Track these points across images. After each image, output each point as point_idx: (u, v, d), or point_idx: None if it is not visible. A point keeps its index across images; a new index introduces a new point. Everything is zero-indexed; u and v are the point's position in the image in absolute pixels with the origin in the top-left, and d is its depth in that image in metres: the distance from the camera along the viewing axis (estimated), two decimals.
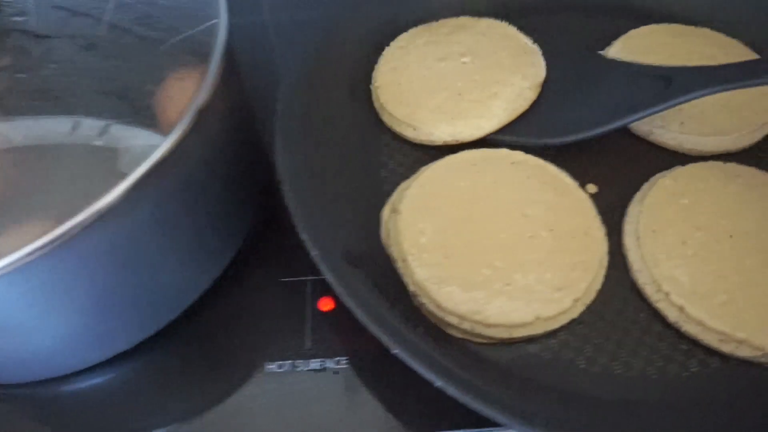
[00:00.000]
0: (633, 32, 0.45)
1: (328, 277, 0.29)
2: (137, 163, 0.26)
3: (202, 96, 0.28)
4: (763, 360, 0.32)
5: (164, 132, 0.27)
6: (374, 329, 0.27)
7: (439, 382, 0.25)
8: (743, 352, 0.32)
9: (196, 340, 0.35)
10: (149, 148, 0.26)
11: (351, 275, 0.31)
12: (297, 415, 0.32)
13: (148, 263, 0.30)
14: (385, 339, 0.26)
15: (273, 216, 0.40)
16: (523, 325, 0.32)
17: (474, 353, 0.32)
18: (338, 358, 0.33)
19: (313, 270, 0.36)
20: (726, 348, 0.32)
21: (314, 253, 0.30)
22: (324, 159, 0.38)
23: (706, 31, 0.45)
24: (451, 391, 0.25)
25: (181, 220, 0.31)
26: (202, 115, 0.28)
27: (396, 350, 0.26)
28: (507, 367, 0.32)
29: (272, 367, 0.33)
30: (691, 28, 0.45)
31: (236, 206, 0.35)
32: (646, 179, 0.38)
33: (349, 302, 0.28)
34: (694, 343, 0.33)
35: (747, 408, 0.31)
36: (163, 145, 0.27)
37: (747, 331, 0.31)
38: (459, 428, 0.31)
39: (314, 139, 0.38)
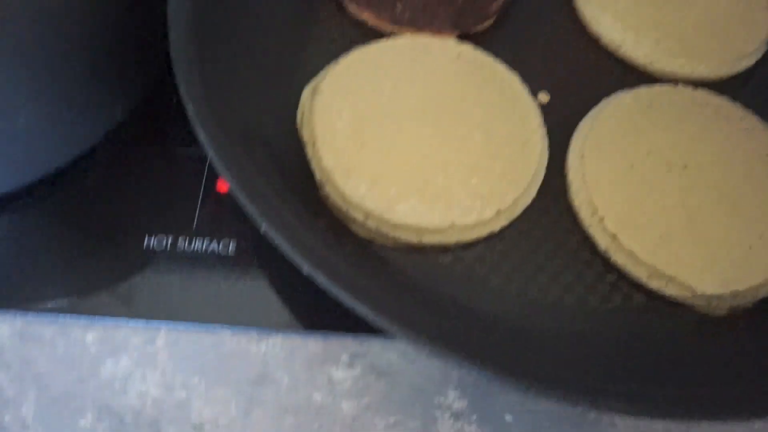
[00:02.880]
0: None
1: (209, 150, 0.24)
2: None
3: None
4: (690, 302, 0.29)
5: None
6: (246, 203, 0.22)
7: (306, 268, 0.21)
8: (671, 291, 0.29)
9: (75, 205, 0.31)
10: None
11: (243, 155, 0.26)
12: (171, 290, 0.28)
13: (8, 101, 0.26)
14: (253, 211, 0.22)
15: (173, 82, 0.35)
16: (436, 230, 0.28)
17: (376, 256, 0.29)
18: (224, 241, 0.30)
19: None
20: (654, 284, 0.29)
21: (195, 123, 0.25)
22: (235, 14, 0.32)
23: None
24: (320, 279, 0.21)
25: (53, 51, 0.26)
26: None
27: (264, 227, 0.22)
28: (408, 275, 0.28)
29: (152, 241, 0.29)
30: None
31: (128, 50, 0.30)
32: (606, 95, 0.34)
33: (228, 177, 0.24)
34: (621, 276, 0.30)
35: (665, 348, 0.28)
36: None
37: (680, 269, 0.28)
38: (347, 330, 0.28)
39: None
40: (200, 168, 0.31)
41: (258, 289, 0.29)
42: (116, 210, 0.30)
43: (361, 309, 0.22)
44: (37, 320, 0.28)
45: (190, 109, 0.23)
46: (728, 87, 0.35)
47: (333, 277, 0.21)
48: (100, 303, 0.28)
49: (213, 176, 0.31)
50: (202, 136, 0.23)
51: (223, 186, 0.31)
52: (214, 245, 0.29)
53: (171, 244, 0.29)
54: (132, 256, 0.29)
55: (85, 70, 0.28)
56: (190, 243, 0.29)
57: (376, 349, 0.29)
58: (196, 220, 0.30)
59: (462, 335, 0.25)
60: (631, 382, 0.24)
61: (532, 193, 0.31)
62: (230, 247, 0.30)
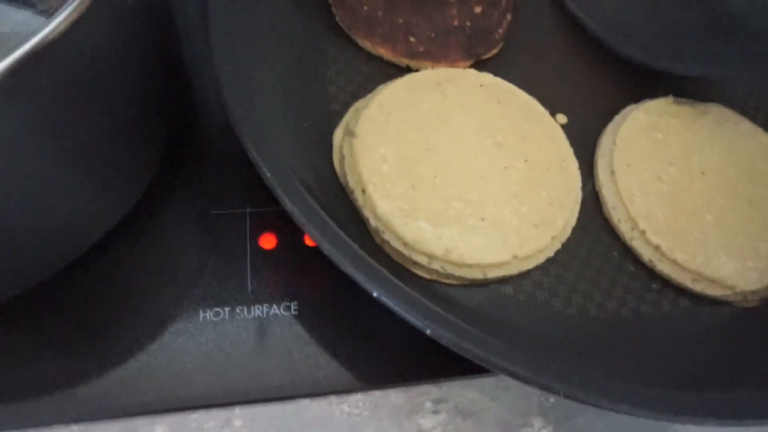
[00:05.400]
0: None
1: (288, 205, 0.23)
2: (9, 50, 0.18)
3: None
4: (730, 299, 0.31)
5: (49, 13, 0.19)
6: (350, 269, 0.21)
7: (423, 324, 0.21)
8: (714, 291, 0.31)
9: (107, 283, 0.27)
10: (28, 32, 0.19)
11: (311, 205, 0.25)
12: (239, 367, 0.26)
13: (28, 186, 0.22)
14: (363, 279, 0.21)
15: (196, 139, 0.33)
16: (500, 264, 0.29)
17: (443, 296, 0.29)
18: (285, 303, 0.28)
19: (252, 201, 0.31)
20: (698, 287, 0.31)
21: (268, 175, 0.23)
22: (265, 70, 0.31)
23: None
24: (440, 332, 0.21)
25: (74, 129, 0.23)
26: None
27: (377, 293, 0.21)
28: (480, 310, 0.28)
29: (208, 315, 0.27)
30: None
31: (149, 119, 0.28)
32: (616, 110, 0.36)
33: (319, 236, 0.22)
34: (665, 282, 0.31)
35: (715, 345, 0.30)
36: (47, 29, 0.19)
37: (719, 271, 0.30)
38: (413, 380, 0.28)
39: (252, 46, 0.31)
40: (242, 226, 0.30)
41: (328, 348, 0.28)
42: (164, 284, 0.27)
43: (477, 352, 0.21)
44: (93, 423, 0.25)
45: (261, 164, 0.22)
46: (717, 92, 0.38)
47: (458, 333, 0.21)
48: (162, 397, 0.25)
49: (256, 235, 0.30)
50: (280, 193, 0.22)
51: (268, 243, 0.30)
52: (274, 309, 0.28)
53: (229, 314, 0.27)
54: (189, 333, 0.27)
55: (115, 135, 0.25)
56: (249, 311, 0.28)
57: (456, 390, 0.28)
58: (249, 284, 0.28)
59: (555, 364, 0.25)
60: (698, 388, 0.26)
61: (576, 213, 0.32)
62: (292, 308, 0.28)
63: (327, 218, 0.23)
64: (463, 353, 0.21)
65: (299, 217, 0.23)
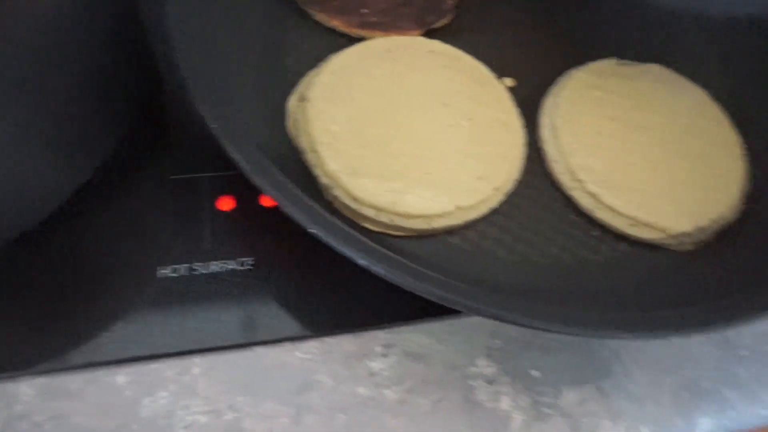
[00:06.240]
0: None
1: (245, 168, 0.24)
2: None
3: None
4: (665, 242, 0.33)
5: None
6: (289, 207, 0.23)
7: (357, 255, 0.22)
8: (649, 234, 0.32)
9: (73, 245, 0.29)
10: None
11: (268, 167, 0.27)
12: (197, 318, 0.28)
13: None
14: (301, 216, 0.22)
15: (159, 107, 0.34)
16: (444, 214, 0.30)
17: (392, 247, 0.30)
18: (242, 259, 0.30)
19: (211, 166, 0.32)
20: (634, 231, 0.32)
21: (224, 141, 0.24)
22: (223, 41, 0.32)
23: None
24: (372, 262, 0.22)
25: (35, 90, 0.24)
26: None
27: (315, 230, 0.22)
28: (427, 258, 0.30)
29: (166, 271, 0.29)
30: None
31: (112, 84, 0.29)
32: (560, 74, 0.37)
33: (275, 193, 0.24)
34: (604, 229, 0.33)
35: (650, 288, 0.32)
36: None
37: (653, 215, 0.32)
38: (363, 327, 0.30)
39: (210, 19, 0.32)
40: (201, 190, 0.31)
41: (283, 299, 0.29)
42: (123, 244, 0.29)
43: (435, 293, 0.23)
44: (58, 374, 0.26)
45: (216, 128, 0.24)
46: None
47: (390, 264, 0.22)
48: (124, 344, 0.27)
49: (212, 198, 0.31)
50: (235, 154, 0.23)
51: (224, 205, 0.31)
52: (232, 264, 0.29)
53: (187, 270, 0.29)
54: (146, 288, 0.28)
55: (76, 101, 0.26)
56: (206, 267, 0.29)
57: (404, 335, 0.30)
58: (208, 243, 0.30)
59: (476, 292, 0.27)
60: (626, 312, 0.27)
61: (519, 168, 0.33)
62: (248, 263, 0.30)
63: (270, 165, 0.24)
64: (398, 283, 0.23)
65: (255, 177, 0.23)
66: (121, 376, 0.27)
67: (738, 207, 0.33)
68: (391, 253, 0.23)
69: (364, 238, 0.23)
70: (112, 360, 0.27)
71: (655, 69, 0.38)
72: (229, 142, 0.23)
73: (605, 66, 0.37)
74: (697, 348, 0.32)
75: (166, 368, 0.28)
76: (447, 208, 0.30)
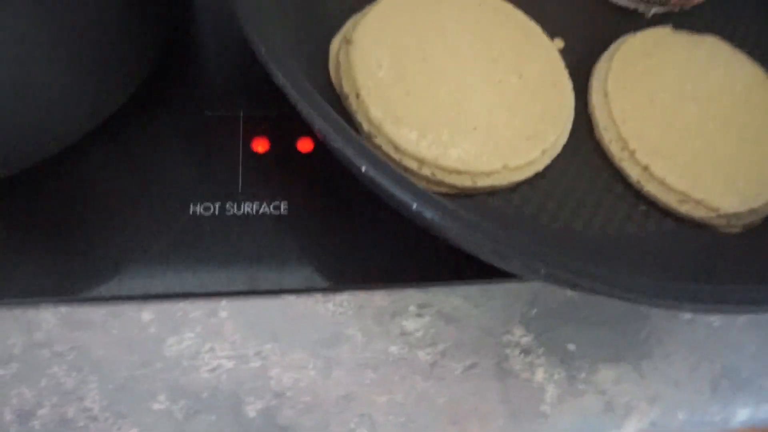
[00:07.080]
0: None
1: (294, 95, 0.22)
2: None
3: None
4: (714, 222, 0.31)
5: None
6: (339, 142, 0.21)
7: (410, 199, 0.21)
8: (698, 213, 0.31)
9: (105, 175, 0.27)
10: None
11: (320, 100, 0.25)
12: (226, 261, 0.27)
13: (21, 70, 0.22)
14: (353, 153, 0.21)
15: (194, 40, 0.32)
16: (490, 173, 0.29)
17: None
18: (276, 202, 0.28)
19: (246, 105, 0.31)
20: (683, 208, 0.31)
21: (273, 65, 0.22)
22: None
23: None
24: (425, 207, 0.21)
25: (67, 16, 0.23)
26: None
27: (365, 167, 0.21)
28: None
29: (198, 209, 0.27)
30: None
31: (146, 13, 0.28)
32: (613, 40, 0.36)
33: (325, 126, 0.22)
34: (652, 204, 0.32)
35: (692, 266, 0.31)
36: None
37: (705, 192, 0.31)
38: (398, 283, 0.28)
39: None
40: (235, 129, 0.29)
41: (315, 248, 0.28)
42: (156, 178, 0.27)
43: (475, 237, 0.21)
44: (81, 305, 0.25)
45: (265, 53, 0.22)
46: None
47: (443, 210, 0.21)
48: (151, 280, 0.26)
49: (246, 139, 0.30)
50: (285, 82, 0.21)
51: (259, 147, 0.30)
52: (264, 208, 0.28)
53: (219, 210, 0.27)
54: (178, 226, 0.27)
55: (109, 21, 0.25)
56: (239, 207, 0.28)
57: (440, 296, 0.29)
58: (240, 184, 0.28)
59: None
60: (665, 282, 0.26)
61: (567, 132, 0.32)
62: (282, 208, 0.28)
63: (320, 97, 0.23)
64: (446, 232, 0.21)
65: (310, 113, 0.22)
66: (147, 313, 0.26)
67: None
68: (438, 198, 0.22)
69: (413, 181, 0.22)
70: (137, 295, 0.25)
71: (710, 40, 0.36)
72: (278, 67, 0.22)
73: (660, 33, 0.35)
74: (737, 336, 0.31)
75: (193, 309, 0.26)
76: (494, 166, 0.29)
